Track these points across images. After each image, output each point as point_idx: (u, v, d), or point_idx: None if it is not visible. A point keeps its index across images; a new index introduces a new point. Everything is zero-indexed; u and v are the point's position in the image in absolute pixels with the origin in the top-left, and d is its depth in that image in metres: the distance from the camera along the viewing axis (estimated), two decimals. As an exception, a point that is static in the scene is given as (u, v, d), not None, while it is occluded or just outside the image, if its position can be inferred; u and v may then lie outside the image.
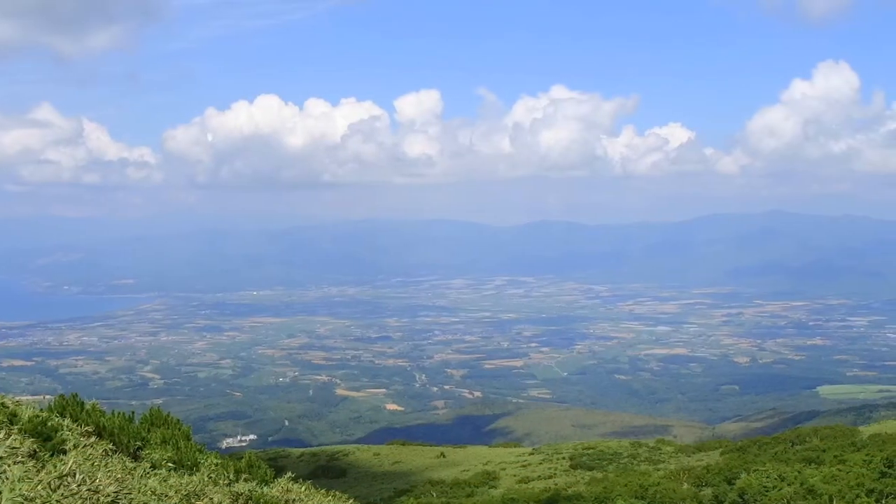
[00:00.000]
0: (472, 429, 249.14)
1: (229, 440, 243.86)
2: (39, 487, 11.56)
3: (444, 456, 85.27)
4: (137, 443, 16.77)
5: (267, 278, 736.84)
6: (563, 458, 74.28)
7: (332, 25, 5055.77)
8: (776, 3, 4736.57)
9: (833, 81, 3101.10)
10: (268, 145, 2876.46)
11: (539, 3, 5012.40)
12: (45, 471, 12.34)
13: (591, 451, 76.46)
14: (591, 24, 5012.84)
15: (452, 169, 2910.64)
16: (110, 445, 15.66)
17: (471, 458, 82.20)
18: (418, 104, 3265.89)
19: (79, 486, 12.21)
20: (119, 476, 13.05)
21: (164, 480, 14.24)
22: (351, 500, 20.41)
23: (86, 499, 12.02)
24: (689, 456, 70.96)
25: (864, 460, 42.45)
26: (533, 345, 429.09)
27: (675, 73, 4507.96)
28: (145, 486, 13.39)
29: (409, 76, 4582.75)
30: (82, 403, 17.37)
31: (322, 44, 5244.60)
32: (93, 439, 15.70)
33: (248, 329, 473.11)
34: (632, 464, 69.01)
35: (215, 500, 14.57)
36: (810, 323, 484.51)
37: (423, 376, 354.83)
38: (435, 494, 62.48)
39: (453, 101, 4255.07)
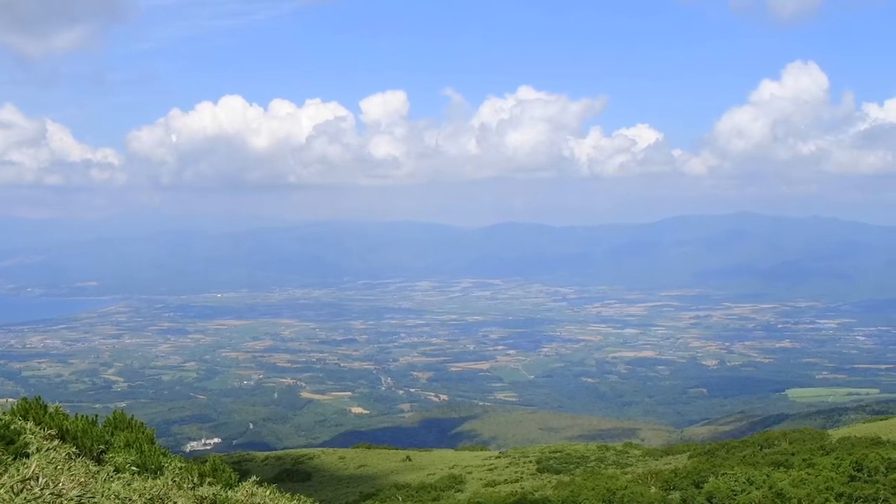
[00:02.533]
0: (438, 432, 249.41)
1: (193, 443, 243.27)
2: (2, 491, 11.54)
3: (409, 459, 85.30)
4: (101, 446, 16.74)
5: (231, 280, 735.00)
6: (530, 461, 74.46)
7: (297, 26, 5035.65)
8: (745, 3, 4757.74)
9: (802, 82, 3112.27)
10: (232, 146, 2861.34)
11: (506, 3, 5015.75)
12: (7, 474, 12.31)
13: (558, 455, 76.65)
14: (558, 24, 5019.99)
15: (419, 170, 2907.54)
16: (73, 449, 15.63)
17: (437, 462, 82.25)
18: (384, 105, 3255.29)
19: (42, 489, 12.19)
20: (82, 480, 13.02)
21: (128, 484, 14.21)
22: (316, 504, 20.41)
23: (49, 502, 12.00)
24: (657, 459, 71.24)
25: (833, 464, 42.72)
26: (499, 347, 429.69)
27: (642, 74, 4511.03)
28: (109, 489, 13.36)
29: (375, 77, 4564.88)
30: (45, 406, 17.32)
31: (287, 44, 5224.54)
32: (56, 443, 15.66)
33: (212, 332, 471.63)
34: (599, 467, 69.23)
35: (179, 503, 14.56)
36: (779, 325, 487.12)
37: (389, 379, 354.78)
38: (401, 498, 62.51)
39: (420, 102, 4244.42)
